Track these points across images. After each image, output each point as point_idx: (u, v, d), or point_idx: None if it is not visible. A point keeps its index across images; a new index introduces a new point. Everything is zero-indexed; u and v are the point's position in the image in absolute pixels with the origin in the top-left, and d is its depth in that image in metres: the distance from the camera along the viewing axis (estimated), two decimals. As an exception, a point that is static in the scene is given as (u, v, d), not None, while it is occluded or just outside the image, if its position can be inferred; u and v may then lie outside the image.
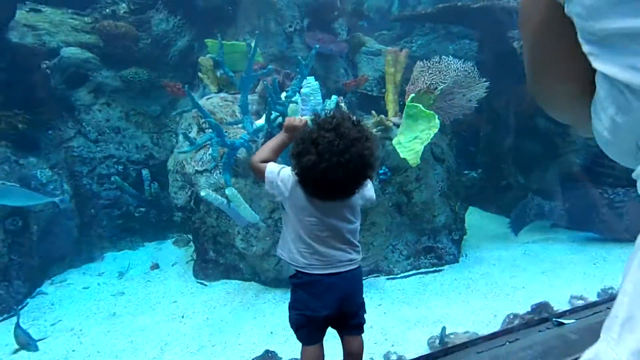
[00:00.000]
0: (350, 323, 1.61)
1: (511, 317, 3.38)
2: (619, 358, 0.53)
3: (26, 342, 3.37)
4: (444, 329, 3.21)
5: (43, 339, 3.56)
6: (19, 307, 4.02)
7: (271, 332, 3.54)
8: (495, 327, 3.28)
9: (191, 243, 4.97)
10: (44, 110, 5.01)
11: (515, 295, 3.88)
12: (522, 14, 0.78)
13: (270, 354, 3.12)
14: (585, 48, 0.63)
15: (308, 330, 1.56)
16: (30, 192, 4.11)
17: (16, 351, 3.41)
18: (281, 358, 3.08)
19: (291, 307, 1.62)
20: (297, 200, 1.49)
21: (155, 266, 4.78)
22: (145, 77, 5.51)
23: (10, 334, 3.45)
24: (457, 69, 4.59)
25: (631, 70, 0.57)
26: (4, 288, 3.97)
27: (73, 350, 3.44)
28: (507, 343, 2.03)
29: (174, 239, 5.29)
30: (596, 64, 0.62)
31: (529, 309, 3.47)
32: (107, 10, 5.82)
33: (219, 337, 3.54)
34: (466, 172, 5.87)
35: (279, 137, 1.61)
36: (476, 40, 5.92)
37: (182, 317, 3.86)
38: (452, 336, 3.36)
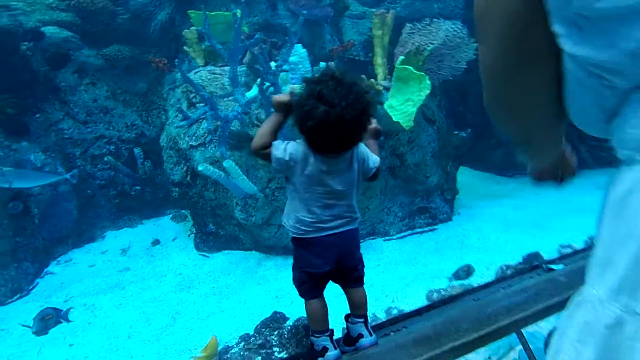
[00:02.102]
0: (351, 276, 1.71)
1: (504, 268, 3.57)
2: (599, 295, 0.60)
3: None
4: None
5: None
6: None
7: (276, 297, 3.70)
8: (490, 278, 3.46)
9: (189, 218, 5.05)
10: (29, 93, 4.92)
11: (507, 248, 4.07)
12: (486, 3, 0.71)
13: (279, 315, 3.29)
14: (559, 29, 0.61)
15: (310, 285, 1.65)
16: (40, 173, 4.14)
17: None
18: (289, 318, 3.25)
19: (294, 266, 1.70)
20: (306, 171, 1.53)
21: (157, 242, 4.87)
22: (128, 53, 5.40)
23: (27, 312, 3.57)
24: (447, 29, 4.58)
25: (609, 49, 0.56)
26: (14, 269, 4.06)
27: (89, 323, 3.57)
28: (501, 290, 2.17)
29: (171, 215, 5.37)
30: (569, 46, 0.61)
31: (521, 260, 3.67)
32: (82, -15, 5.60)
33: (227, 304, 3.69)
34: (456, 132, 5.96)
35: (273, 118, 1.61)
36: (462, -4, 5.84)
37: (189, 287, 4.00)
38: (448, 289, 3.55)
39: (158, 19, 5.63)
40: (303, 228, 1.60)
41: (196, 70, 4.58)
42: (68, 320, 3.54)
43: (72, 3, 5.42)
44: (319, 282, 1.66)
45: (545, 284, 2.09)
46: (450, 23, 4.73)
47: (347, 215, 1.62)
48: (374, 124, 1.70)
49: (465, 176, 5.66)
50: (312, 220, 1.59)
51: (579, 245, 3.63)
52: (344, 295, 1.75)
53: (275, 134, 1.60)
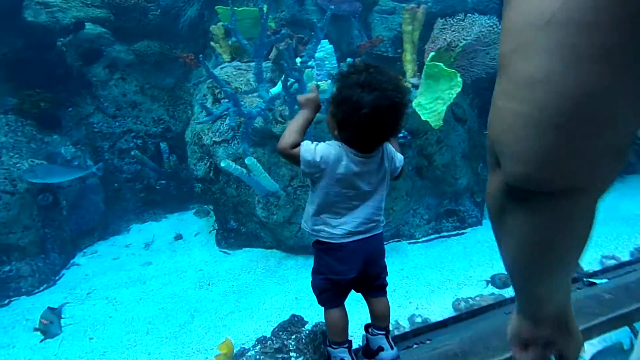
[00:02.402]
0: (374, 284, 1.61)
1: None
2: None
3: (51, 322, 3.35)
4: None
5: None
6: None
7: (295, 298, 3.61)
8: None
9: (212, 213, 5.05)
10: (62, 87, 5.04)
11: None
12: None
13: (296, 318, 3.19)
14: None
15: (332, 293, 1.56)
16: (68, 167, 4.23)
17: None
18: (307, 322, 3.15)
19: (315, 272, 1.60)
20: (337, 174, 1.44)
21: (179, 237, 4.89)
22: (157, 49, 5.45)
23: (52, 303, 3.63)
24: (481, 24, 4.36)
25: None
26: (41, 260, 4.15)
27: (110, 317, 3.60)
28: (535, 303, 1.99)
29: (195, 210, 5.39)
30: None
31: (556, 270, 3.42)
32: (115, -18, 5.70)
33: (246, 303, 3.64)
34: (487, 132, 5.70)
35: (301, 115, 1.50)
36: (499, -9, 5.57)
37: (209, 284, 3.97)
38: (477, 298, 3.36)
39: (187, 14, 5.66)
40: (328, 231, 1.50)
41: (222, 65, 4.56)
42: (60, 317, 3.40)
43: (106, 0, 5.54)
44: (341, 290, 1.56)
45: (587, 301, 1.89)
46: (485, 18, 4.50)
47: (374, 218, 1.52)
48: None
49: (498, 179, 5.39)
50: (338, 223, 1.50)
51: (624, 256, 3.35)
52: (364, 301, 1.65)
53: (303, 132, 1.49)
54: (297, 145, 1.42)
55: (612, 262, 3.13)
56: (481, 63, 4.51)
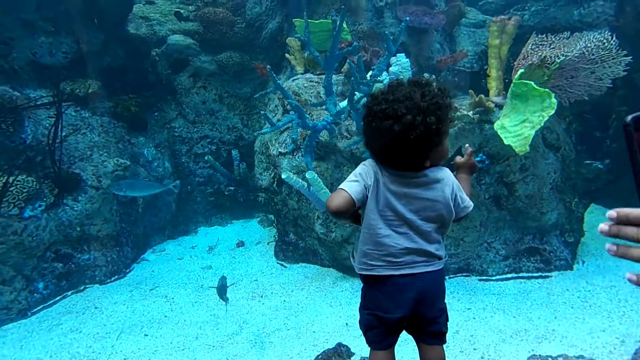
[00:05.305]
0: (429, 330, 1.44)
1: (643, 346, 2.73)
2: None
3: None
4: None
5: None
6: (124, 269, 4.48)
7: (346, 324, 3.39)
8: (623, 357, 2.68)
9: (275, 223, 5.04)
10: (151, 93, 5.47)
11: (651, 319, 3.14)
12: None
13: (343, 348, 2.97)
14: None
15: (379, 332, 1.44)
16: (150, 182, 4.57)
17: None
18: (354, 354, 2.92)
19: (362, 307, 1.51)
20: (376, 192, 1.36)
21: (241, 243, 4.95)
22: (237, 60, 5.67)
23: (120, 294, 3.85)
24: (589, 39, 3.78)
25: None
26: (115, 252, 4.46)
27: (165, 316, 3.71)
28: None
29: (259, 218, 5.44)
30: None
31: (670, 339, 2.78)
32: (209, -3, 6.09)
33: (295, 321, 3.51)
34: (588, 161, 4.95)
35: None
36: (613, 0, 4.84)
37: (262, 296, 3.92)
38: (560, 359, 2.83)
39: (269, 27, 5.82)
40: (370, 263, 1.39)
41: (294, 77, 4.56)
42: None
43: (198, 13, 5.92)
44: (389, 329, 1.43)
45: None
46: (595, 33, 3.91)
47: (427, 251, 1.36)
48: (467, 157, 1.55)
49: (597, 216, 4.64)
50: (380, 253, 1.37)
51: None
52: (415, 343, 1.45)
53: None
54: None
55: None
56: (583, 83, 3.91)
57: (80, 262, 4.17)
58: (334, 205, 1.29)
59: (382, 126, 1.24)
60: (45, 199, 3.97)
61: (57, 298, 4.00)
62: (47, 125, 4.25)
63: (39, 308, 3.86)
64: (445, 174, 1.36)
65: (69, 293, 4.08)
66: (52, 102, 4.28)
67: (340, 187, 1.34)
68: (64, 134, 4.22)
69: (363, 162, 1.40)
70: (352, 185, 1.33)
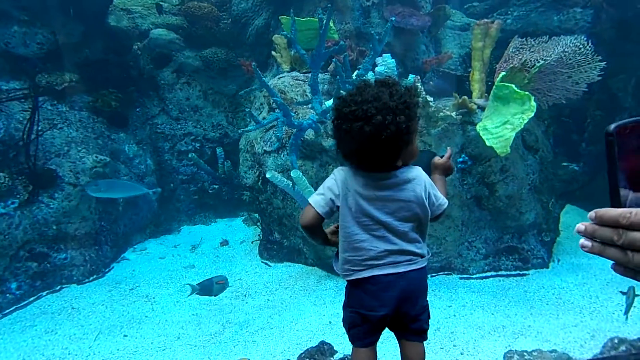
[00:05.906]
0: (411, 327, 1.45)
1: (615, 341, 2.83)
2: None
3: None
4: None
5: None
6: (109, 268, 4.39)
7: (330, 322, 3.41)
8: (593, 351, 2.77)
9: (259, 222, 5.02)
10: (133, 89, 5.36)
11: (621, 315, 3.27)
12: None
13: (326, 346, 2.99)
14: None
15: (362, 330, 1.44)
16: (127, 184, 4.47)
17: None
18: (337, 352, 2.94)
19: (345, 306, 1.51)
20: (347, 201, 1.37)
21: (225, 242, 4.91)
22: (223, 56, 5.61)
23: (98, 294, 3.76)
24: (565, 44, 3.89)
25: None
26: (94, 251, 4.36)
27: (146, 316, 3.66)
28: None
29: (243, 217, 5.40)
30: None
31: None
32: (193, -9, 5.98)
33: (278, 320, 3.51)
34: (565, 164, 5.10)
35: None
36: (591, 7, 4.99)
37: (245, 295, 3.90)
38: (535, 353, 2.92)
39: (255, 23, 5.77)
40: (352, 268, 1.41)
41: (280, 75, 4.54)
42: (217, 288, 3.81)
43: (182, 7, 5.82)
44: (372, 327, 1.43)
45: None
46: (571, 38, 4.03)
47: (408, 250, 1.38)
48: (446, 159, 1.56)
49: (573, 217, 4.79)
50: (361, 258, 1.39)
51: None
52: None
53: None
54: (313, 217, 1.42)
55: None
56: (561, 87, 4.03)
57: (57, 261, 4.07)
58: (302, 221, 1.37)
59: (353, 128, 1.24)
60: (18, 196, 3.85)
61: (32, 299, 3.88)
62: (21, 119, 4.11)
63: (11, 309, 3.74)
64: (417, 172, 1.39)
65: (44, 293, 3.97)
66: (26, 95, 4.15)
67: (309, 201, 1.39)
68: (39, 128, 4.09)
69: (333, 172, 1.42)
70: (317, 199, 1.37)
